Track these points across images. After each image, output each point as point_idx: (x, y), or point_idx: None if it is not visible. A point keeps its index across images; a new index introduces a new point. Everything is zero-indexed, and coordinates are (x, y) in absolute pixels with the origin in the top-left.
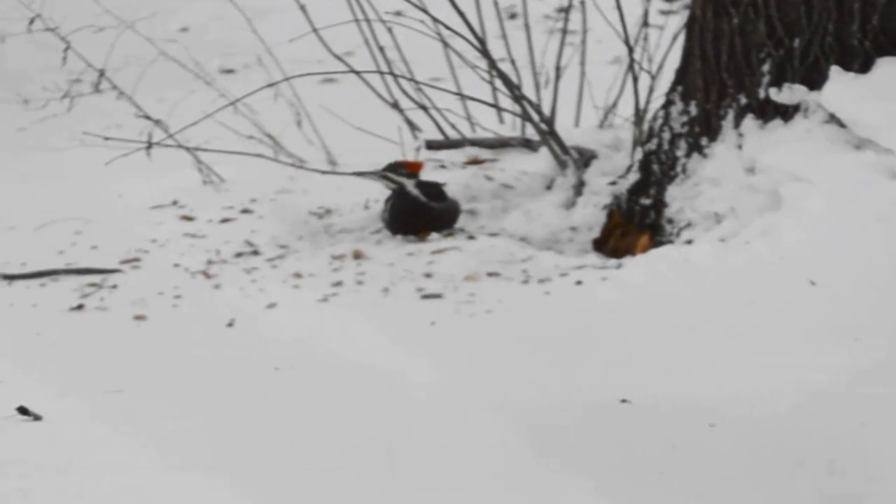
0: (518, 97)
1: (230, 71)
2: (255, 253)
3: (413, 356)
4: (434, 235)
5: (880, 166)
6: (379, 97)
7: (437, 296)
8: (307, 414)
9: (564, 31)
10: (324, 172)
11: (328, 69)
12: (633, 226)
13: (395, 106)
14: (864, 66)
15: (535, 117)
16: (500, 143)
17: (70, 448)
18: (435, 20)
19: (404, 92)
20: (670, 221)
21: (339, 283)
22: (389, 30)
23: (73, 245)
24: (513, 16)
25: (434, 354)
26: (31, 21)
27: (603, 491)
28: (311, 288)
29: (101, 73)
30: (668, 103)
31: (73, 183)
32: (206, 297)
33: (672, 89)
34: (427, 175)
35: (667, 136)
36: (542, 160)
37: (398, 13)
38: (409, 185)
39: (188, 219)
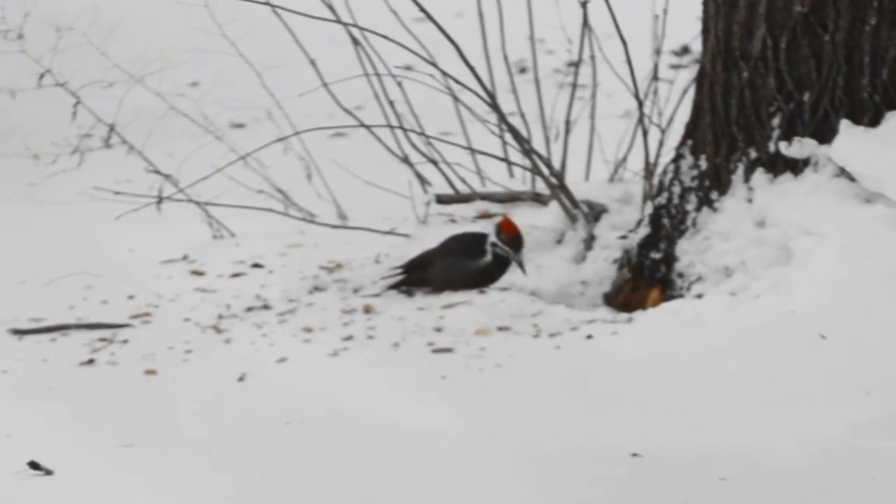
0: (528, 151)
1: (240, 125)
2: (266, 307)
3: (423, 411)
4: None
5: (890, 219)
6: (389, 151)
7: (448, 350)
8: (319, 468)
9: (574, 85)
10: (334, 227)
11: (338, 123)
12: (644, 280)
13: (406, 160)
14: (873, 120)
15: (546, 171)
16: (510, 198)
17: (81, 503)
18: (445, 74)
19: (414, 146)
20: (681, 275)
21: (349, 338)
22: (399, 84)
23: (84, 300)
24: (523, 70)
25: (444, 409)
26: (41, 76)
27: None
28: (322, 342)
29: (111, 128)
30: (678, 157)
31: (83, 238)
32: (217, 351)
33: (682, 143)
34: (438, 229)
35: (677, 189)
36: (552, 214)
37: (408, 67)
38: (514, 256)
39: (198, 273)
